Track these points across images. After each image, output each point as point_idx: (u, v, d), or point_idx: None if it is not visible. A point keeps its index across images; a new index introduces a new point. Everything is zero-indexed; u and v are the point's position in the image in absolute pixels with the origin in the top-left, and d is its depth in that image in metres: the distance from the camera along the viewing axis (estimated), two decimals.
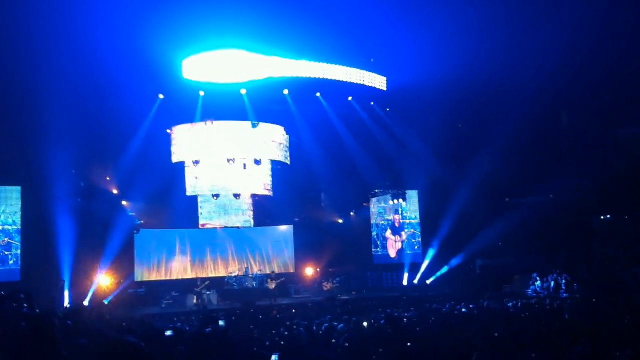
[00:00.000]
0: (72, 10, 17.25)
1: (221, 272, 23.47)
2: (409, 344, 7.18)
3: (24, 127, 18.34)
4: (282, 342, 8.29)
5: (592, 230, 23.15)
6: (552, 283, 20.85)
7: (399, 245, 25.97)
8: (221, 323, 8.50)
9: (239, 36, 20.39)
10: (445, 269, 24.39)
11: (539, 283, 21.35)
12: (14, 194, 19.94)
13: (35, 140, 18.25)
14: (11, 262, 19.65)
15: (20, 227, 19.92)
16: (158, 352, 5.49)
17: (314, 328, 9.59)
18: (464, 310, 12.32)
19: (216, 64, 21.14)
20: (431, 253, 25.03)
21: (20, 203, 19.95)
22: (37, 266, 19.19)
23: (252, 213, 24.04)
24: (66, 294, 19.36)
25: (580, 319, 9.51)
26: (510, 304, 13.61)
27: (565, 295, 19.27)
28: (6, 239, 19.66)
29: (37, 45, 17.27)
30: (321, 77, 22.28)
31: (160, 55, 19.62)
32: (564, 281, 20.59)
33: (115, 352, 3.06)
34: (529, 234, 22.99)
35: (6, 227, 19.75)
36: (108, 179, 21.88)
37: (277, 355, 6.06)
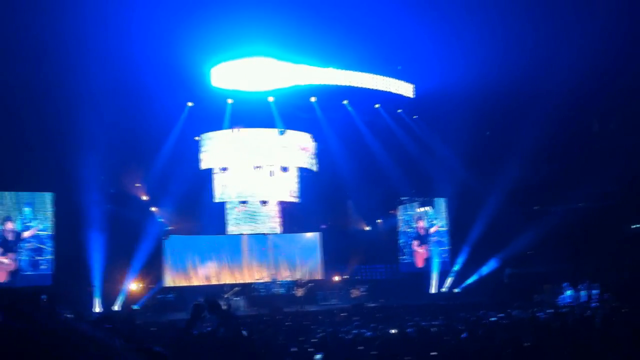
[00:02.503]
0: (103, 20, 17.58)
1: (249, 279, 23.59)
2: (434, 353, 7.14)
3: (56, 135, 18.67)
4: (310, 349, 8.31)
5: (624, 238, 22.71)
6: (583, 292, 20.50)
7: (425, 254, 25.80)
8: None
9: (267, 44, 20.56)
10: (473, 278, 24.17)
11: (569, 292, 21.00)
12: (46, 200, 20.28)
13: (67, 147, 18.57)
14: (43, 267, 19.96)
15: (52, 233, 20.24)
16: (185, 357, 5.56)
17: (341, 335, 9.59)
18: (492, 319, 12.20)
19: (244, 71, 21.33)
20: (459, 261, 24.84)
21: (52, 209, 20.28)
22: (68, 271, 19.47)
23: (279, 220, 24.11)
24: (96, 299, 19.62)
25: (611, 328, 9.36)
26: (539, 313, 13.43)
27: (596, 304, 18.93)
28: (31, 244, 19.96)
29: (70, 54, 17.62)
30: (348, 84, 22.33)
31: (190, 63, 19.90)
32: (594, 290, 20.23)
33: None
34: (559, 242, 22.64)
35: (38, 232, 20.08)
36: (138, 185, 22.17)
37: (321, 355, 6.07)
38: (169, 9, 18.22)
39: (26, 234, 19.70)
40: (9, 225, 19.68)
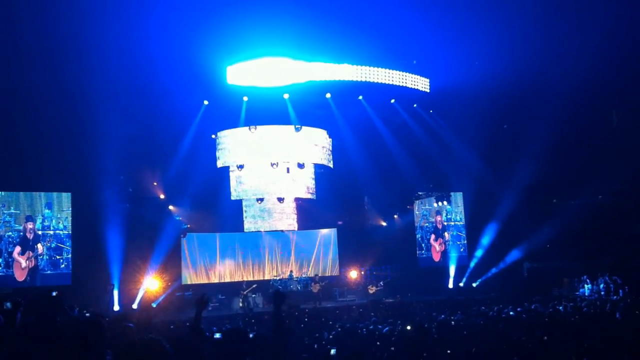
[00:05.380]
0: (120, 20, 17.65)
1: (266, 275, 23.67)
2: (449, 352, 7.09)
3: (74, 135, 18.83)
4: (328, 346, 8.31)
5: None
6: (602, 285, 20.34)
7: (442, 248, 25.75)
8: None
9: (282, 42, 20.55)
10: (491, 272, 24.05)
11: (588, 285, 20.85)
12: (65, 199, 20.50)
13: (85, 147, 18.72)
14: (62, 266, 20.20)
15: (70, 232, 20.46)
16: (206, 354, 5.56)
17: (359, 331, 9.58)
18: (511, 313, 12.13)
19: (259, 69, 21.38)
20: (477, 255, 24.72)
21: (70, 208, 20.51)
22: (87, 270, 19.66)
23: (295, 216, 24.11)
24: (115, 297, 19.78)
25: (632, 322, 9.26)
26: (559, 307, 13.33)
27: (615, 297, 18.77)
28: (51, 244, 20.21)
29: (88, 54, 17.72)
30: (363, 80, 22.26)
31: (206, 62, 19.94)
32: (612, 285, 20.06)
33: (139, 352, 3.12)
34: (577, 236, 22.42)
35: (57, 231, 20.31)
36: (155, 184, 22.29)
37: (335, 349, 6.05)
38: (185, 9, 18.28)
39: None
40: (30, 225, 19.93)
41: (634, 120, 22.66)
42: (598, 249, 22.44)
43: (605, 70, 20.11)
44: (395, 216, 26.18)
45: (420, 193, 25.53)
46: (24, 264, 19.59)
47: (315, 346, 8.42)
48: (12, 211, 19.82)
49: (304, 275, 23.36)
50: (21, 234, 19.82)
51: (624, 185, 22.12)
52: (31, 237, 19.92)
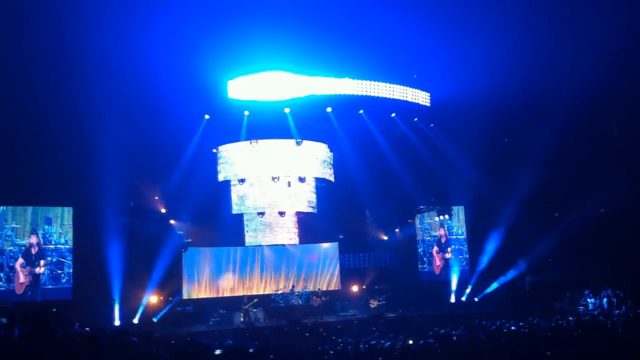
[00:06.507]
0: (121, 34, 17.75)
1: (267, 290, 23.60)
2: None
3: (75, 149, 18.86)
4: None
5: None
6: (605, 300, 20.22)
7: (442, 263, 25.66)
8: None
9: (282, 58, 20.68)
10: (493, 286, 23.94)
11: (591, 299, 20.74)
12: (66, 214, 20.51)
13: (86, 161, 18.75)
14: (64, 280, 20.16)
15: (72, 246, 20.44)
16: None
17: (360, 346, 9.53)
18: (513, 328, 12.07)
19: (260, 83, 21.47)
20: (479, 269, 24.63)
21: (72, 223, 20.50)
22: (88, 284, 19.62)
23: (296, 230, 24.08)
24: (116, 312, 19.72)
25: (634, 336, 9.21)
26: (562, 322, 13.27)
27: (617, 312, 18.66)
28: (52, 258, 20.19)
29: (88, 68, 17.77)
30: (364, 94, 22.33)
31: (208, 77, 20.04)
32: (614, 299, 19.94)
33: None
34: (579, 248, 22.32)
35: (59, 246, 20.29)
36: (156, 198, 22.30)
37: None
38: (186, 24, 18.39)
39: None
40: (33, 239, 19.94)
41: (635, 129, 22.55)
42: (600, 262, 22.30)
43: (606, 80, 20.11)
44: (397, 230, 26.14)
45: (421, 207, 25.51)
46: (22, 279, 19.55)
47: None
48: (14, 225, 19.82)
49: (305, 290, 23.28)
50: (23, 248, 19.82)
51: (625, 196, 22.03)
52: (35, 252, 19.92)
